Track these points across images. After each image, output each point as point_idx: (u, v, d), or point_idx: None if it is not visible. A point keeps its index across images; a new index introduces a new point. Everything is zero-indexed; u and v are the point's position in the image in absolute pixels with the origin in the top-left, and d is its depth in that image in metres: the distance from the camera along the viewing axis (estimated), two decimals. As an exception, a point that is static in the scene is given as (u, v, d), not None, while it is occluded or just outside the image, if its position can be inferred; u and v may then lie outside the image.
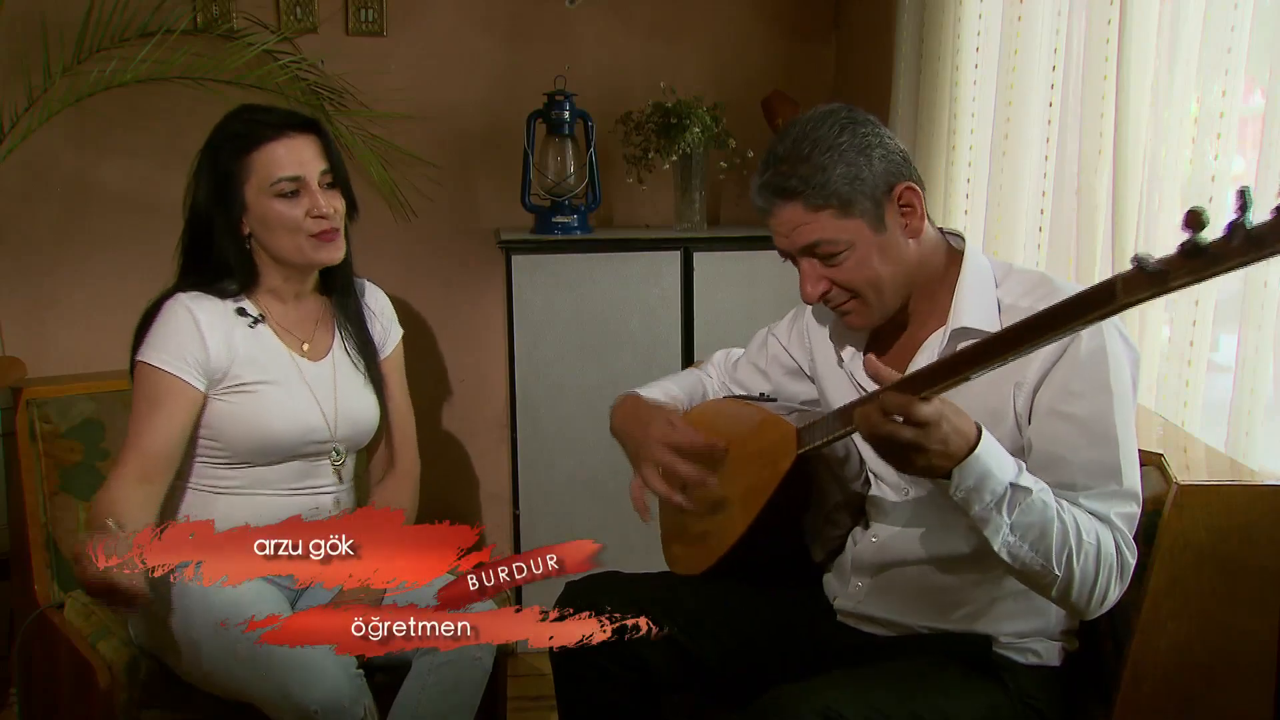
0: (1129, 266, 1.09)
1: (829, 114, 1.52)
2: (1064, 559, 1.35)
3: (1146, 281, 1.07)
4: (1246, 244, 1.00)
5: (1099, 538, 1.38)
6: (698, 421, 1.79)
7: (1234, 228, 1.00)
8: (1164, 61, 1.80)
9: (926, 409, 1.26)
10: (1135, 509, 1.42)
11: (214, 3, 2.77)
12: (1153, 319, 1.83)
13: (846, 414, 1.49)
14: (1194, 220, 1.01)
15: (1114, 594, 1.40)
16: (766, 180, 1.52)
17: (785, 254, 1.56)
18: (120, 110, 2.72)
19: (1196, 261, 1.03)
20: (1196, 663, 1.49)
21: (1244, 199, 0.99)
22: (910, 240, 1.52)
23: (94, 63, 2.61)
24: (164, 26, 2.64)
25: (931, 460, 1.28)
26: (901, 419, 1.26)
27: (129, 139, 2.78)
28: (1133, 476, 1.42)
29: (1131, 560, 1.40)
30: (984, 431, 1.32)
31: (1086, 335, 1.42)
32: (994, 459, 1.32)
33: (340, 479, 1.98)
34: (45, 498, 2.23)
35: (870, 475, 1.65)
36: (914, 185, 1.51)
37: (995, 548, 1.34)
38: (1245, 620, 1.48)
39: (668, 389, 1.83)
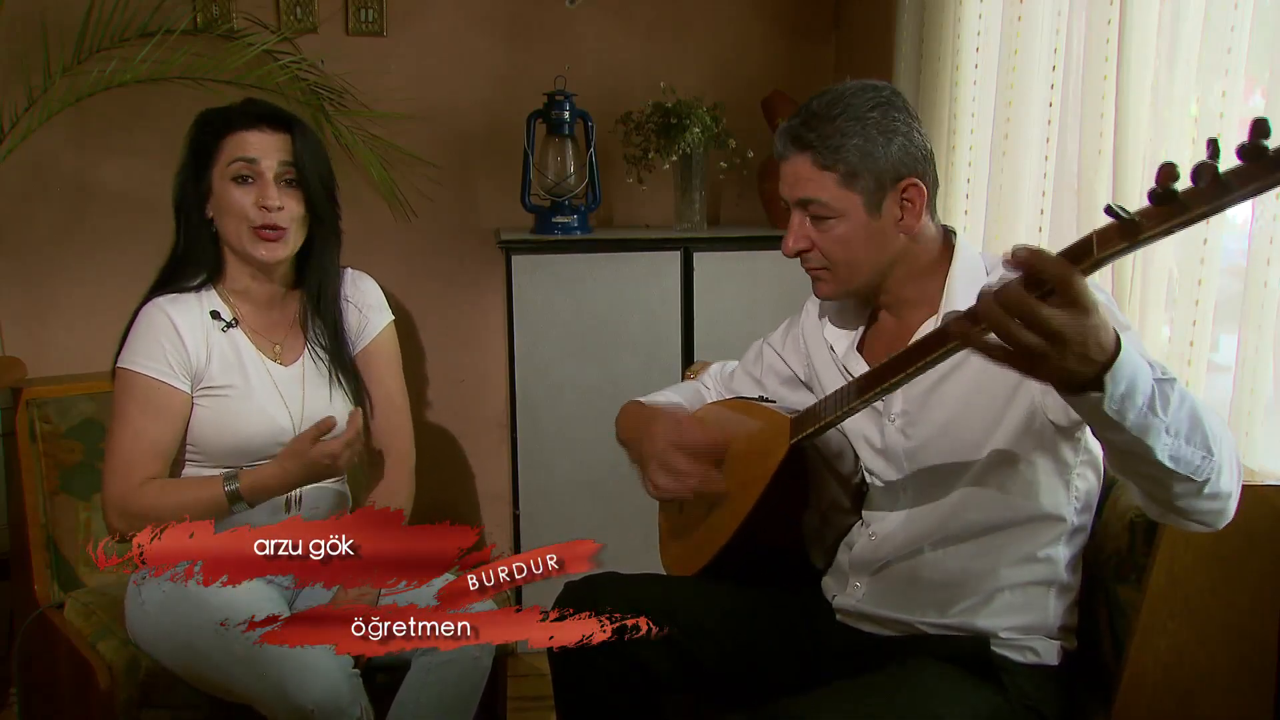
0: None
1: (872, 88, 1.54)
2: (1218, 436, 1.21)
3: (1119, 232, 1.07)
4: (1215, 188, 1.00)
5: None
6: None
7: (1202, 171, 1.01)
8: (1164, 61, 1.80)
9: (1088, 287, 1.07)
10: None
11: (214, 3, 2.77)
12: (1153, 319, 1.82)
13: (837, 399, 1.50)
14: (1167, 173, 1.03)
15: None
16: (789, 127, 1.56)
17: (784, 202, 1.59)
18: (120, 110, 2.72)
19: (1168, 208, 1.03)
20: (1196, 662, 1.49)
21: (1214, 148, 1.00)
22: (901, 235, 1.53)
23: (94, 63, 2.61)
24: (164, 26, 2.64)
25: (1068, 355, 1.08)
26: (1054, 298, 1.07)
27: (129, 139, 2.78)
28: None
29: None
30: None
31: None
32: (1136, 355, 1.14)
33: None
34: (45, 498, 2.23)
35: (865, 472, 1.66)
36: (921, 183, 1.52)
37: (1157, 456, 1.17)
38: (1245, 620, 1.49)
39: (669, 397, 1.84)
